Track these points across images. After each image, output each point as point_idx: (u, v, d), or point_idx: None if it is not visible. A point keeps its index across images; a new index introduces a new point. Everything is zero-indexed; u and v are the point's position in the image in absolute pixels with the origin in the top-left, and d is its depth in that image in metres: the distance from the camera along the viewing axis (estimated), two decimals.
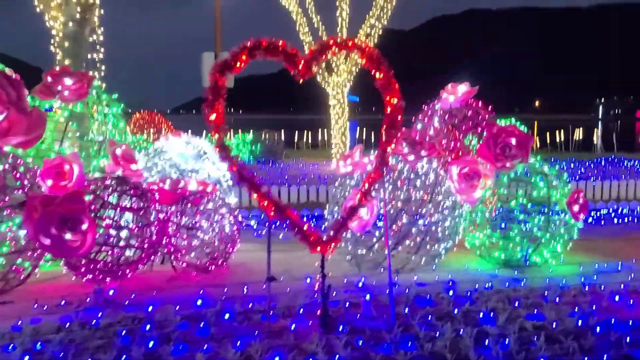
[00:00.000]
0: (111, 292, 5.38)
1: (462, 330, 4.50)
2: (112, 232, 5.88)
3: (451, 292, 5.49)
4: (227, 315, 4.80)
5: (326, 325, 4.57)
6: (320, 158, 20.37)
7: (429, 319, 4.79)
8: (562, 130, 25.65)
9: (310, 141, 29.12)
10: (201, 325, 4.58)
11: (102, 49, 10.75)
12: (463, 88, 6.95)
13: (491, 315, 4.86)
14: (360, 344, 4.31)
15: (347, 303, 5.17)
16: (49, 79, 6.46)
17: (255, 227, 8.80)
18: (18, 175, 5.64)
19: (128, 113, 22.26)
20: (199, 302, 5.10)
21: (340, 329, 4.52)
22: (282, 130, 23.68)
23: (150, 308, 4.94)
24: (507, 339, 4.38)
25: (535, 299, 5.36)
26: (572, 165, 17.21)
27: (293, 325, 4.61)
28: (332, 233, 4.74)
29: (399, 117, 4.83)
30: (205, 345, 4.22)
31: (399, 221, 6.39)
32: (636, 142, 26.81)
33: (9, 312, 5.01)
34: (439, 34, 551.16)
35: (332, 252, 4.75)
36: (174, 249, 6.28)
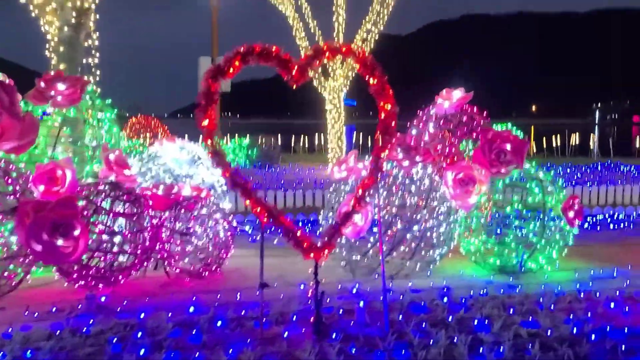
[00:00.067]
0: (103, 299, 5.34)
1: (456, 337, 4.47)
2: (105, 237, 5.84)
3: (446, 299, 5.46)
4: (219, 323, 4.76)
5: (319, 333, 4.54)
6: (317, 162, 20.36)
7: (423, 326, 4.76)
8: (558, 135, 25.67)
9: (306, 145, 29.11)
10: (193, 333, 4.55)
11: (98, 54, 10.72)
12: (458, 94, 6.94)
13: (486, 323, 4.82)
14: (353, 351, 4.28)
15: (341, 310, 5.13)
16: (42, 84, 6.42)
17: (250, 232, 8.76)
18: (10, 180, 5.60)
19: (125, 117, 22.28)
20: (192, 308, 5.07)
21: (333, 336, 4.49)
22: (279, 135, 23.67)
23: (142, 315, 4.90)
24: (502, 347, 4.36)
25: (530, 306, 5.33)
26: (568, 170, 17.22)
27: (286, 333, 4.58)
28: (325, 239, 4.72)
29: (393, 122, 4.81)
30: (197, 352, 4.19)
31: (394, 227, 6.36)
32: (633, 146, 26.71)
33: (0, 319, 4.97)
34: (435, 39, 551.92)
35: (326, 258, 4.72)
36: (167, 255, 6.24)
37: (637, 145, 25.54)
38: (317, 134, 27.80)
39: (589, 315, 5.09)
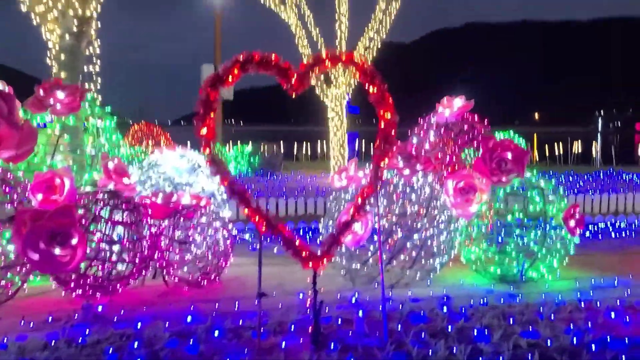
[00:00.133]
0: (100, 308, 5.31)
1: (455, 348, 4.44)
2: (103, 246, 5.82)
3: (445, 308, 5.41)
4: (217, 332, 4.72)
5: (317, 343, 4.50)
6: (319, 170, 20.34)
7: (423, 336, 4.72)
8: (561, 143, 25.63)
9: (309, 153, 29.10)
10: (190, 343, 4.51)
11: (99, 62, 10.73)
12: (459, 102, 6.92)
13: (485, 333, 4.78)
14: None
15: (340, 319, 5.09)
16: (41, 92, 6.41)
17: (250, 240, 8.73)
18: (8, 189, 5.58)
19: (128, 124, 22.32)
20: (189, 318, 5.03)
21: (331, 347, 4.45)
22: (281, 142, 23.67)
23: (139, 324, 4.87)
24: (501, 357, 4.32)
25: (531, 316, 5.29)
26: (570, 178, 17.18)
27: (284, 343, 4.54)
28: (324, 249, 4.68)
29: (393, 131, 4.78)
30: None
31: (394, 235, 6.33)
32: (635, 155, 26.64)
33: None
34: (439, 47, 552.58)
35: (325, 267, 4.68)
36: (166, 264, 6.22)
37: None
38: (319, 141, 27.80)
39: (590, 325, 5.04)
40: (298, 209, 12.05)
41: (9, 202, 5.57)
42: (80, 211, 5.72)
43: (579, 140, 27.33)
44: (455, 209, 6.39)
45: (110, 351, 4.33)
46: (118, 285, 5.85)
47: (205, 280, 6.29)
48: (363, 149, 25.51)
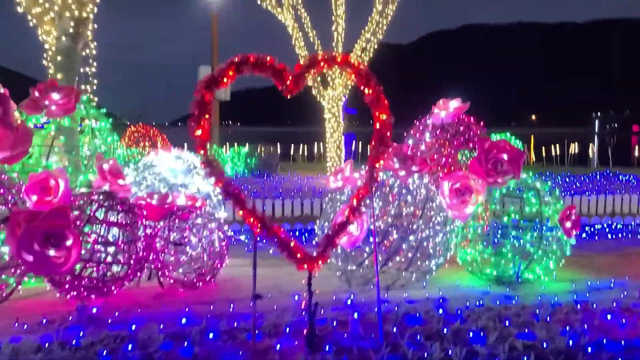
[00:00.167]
0: (94, 310, 5.28)
1: (450, 350, 4.43)
2: (98, 247, 5.80)
3: (441, 310, 5.40)
4: (211, 334, 4.71)
5: (312, 345, 4.48)
6: (316, 171, 20.33)
7: (418, 338, 4.70)
8: (557, 145, 25.66)
9: (306, 154, 29.10)
10: (185, 345, 4.50)
11: (95, 63, 10.71)
12: (454, 103, 6.92)
13: (481, 334, 4.77)
14: None
15: (335, 321, 5.07)
16: (36, 93, 6.40)
17: (246, 241, 8.72)
18: (2, 190, 5.56)
19: (126, 125, 22.31)
20: (184, 320, 5.01)
21: (326, 349, 4.44)
22: (278, 143, 23.66)
23: (133, 326, 4.84)
24: (497, 359, 4.30)
25: (527, 317, 5.27)
26: (567, 179, 17.19)
27: (278, 345, 4.52)
28: (319, 250, 4.67)
29: (388, 133, 4.78)
30: None
31: (390, 237, 6.32)
32: (632, 156, 26.66)
33: None
34: (436, 48, 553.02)
35: (319, 269, 4.67)
36: (161, 265, 6.20)
37: (636, 155, 25.51)
38: (316, 142, 27.80)
39: (585, 327, 5.03)
40: (294, 210, 12.04)
41: (3, 204, 5.54)
42: (75, 212, 5.69)
43: (576, 142, 27.34)
44: (451, 211, 6.39)
45: (104, 353, 4.31)
46: (113, 286, 5.84)
47: (201, 282, 6.28)
48: (360, 150, 25.50)
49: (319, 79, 18.22)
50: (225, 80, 4.49)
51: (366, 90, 4.71)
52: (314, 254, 4.61)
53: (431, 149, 6.87)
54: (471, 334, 4.77)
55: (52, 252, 5.10)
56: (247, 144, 20.65)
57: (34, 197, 5.57)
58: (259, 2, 18.37)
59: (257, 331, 4.66)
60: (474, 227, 6.72)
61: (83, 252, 5.51)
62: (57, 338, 4.59)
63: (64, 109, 6.47)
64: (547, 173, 18.82)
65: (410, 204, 6.41)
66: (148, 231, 6.15)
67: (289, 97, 4.75)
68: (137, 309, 5.48)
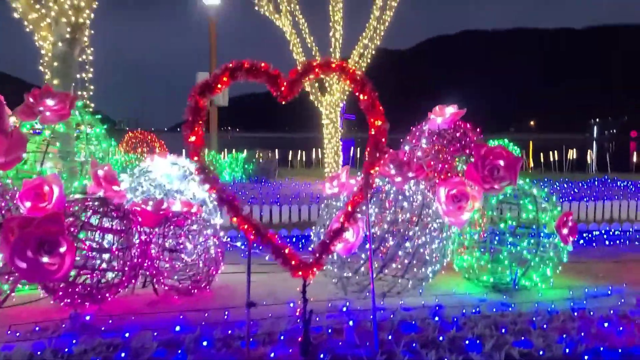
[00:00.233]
0: (88, 318, 5.24)
1: (446, 358, 4.39)
2: (92, 254, 5.76)
3: (437, 318, 5.36)
4: (205, 342, 4.67)
5: (307, 353, 4.45)
6: (313, 177, 20.30)
7: (414, 346, 4.67)
8: (556, 151, 25.63)
9: (304, 160, 29.06)
10: (178, 352, 4.46)
11: (92, 69, 10.70)
12: (451, 109, 6.90)
13: (477, 342, 4.74)
14: None
15: (330, 329, 5.03)
16: (31, 99, 6.37)
17: (242, 247, 8.67)
18: None
19: (125, 131, 22.28)
20: (178, 327, 4.97)
21: (321, 357, 4.40)
22: (276, 149, 23.63)
23: (127, 334, 4.80)
24: None
25: (523, 325, 5.24)
26: (565, 185, 17.17)
27: (272, 353, 4.49)
28: (314, 258, 4.64)
29: (384, 139, 4.77)
30: None
31: (386, 243, 6.28)
32: (630, 162, 26.63)
33: None
34: (435, 54, 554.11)
35: (314, 276, 4.63)
36: (156, 272, 6.16)
37: (635, 160, 25.50)
38: (314, 148, 27.77)
39: (583, 335, 5.00)
40: (292, 216, 12.01)
41: None
42: (69, 219, 5.66)
43: (574, 148, 27.31)
44: (448, 217, 6.36)
45: None
46: (107, 294, 5.79)
47: (196, 289, 6.24)
48: (359, 156, 25.48)
49: (316, 84, 18.23)
50: (219, 86, 4.48)
51: (361, 96, 4.70)
52: (310, 260, 4.58)
53: (428, 155, 6.85)
54: (467, 342, 4.74)
55: (45, 259, 5.07)
56: (245, 150, 20.62)
57: (28, 204, 5.55)
58: (256, 8, 18.38)
59: (251, 339, 4.63)
60: (470, 233, 6.69)
61: (77, 258, 5.48)
62: (49, 346, 4.56)
63: (58, 115, 6.45)
64: (546, 179, 18.80)
65: (406, 211, 6.38)
66: (143, 237, 6.11)
67: (283, 103, 4.74)
68: (131, 317, 5.44)
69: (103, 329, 5.04)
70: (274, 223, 11.58)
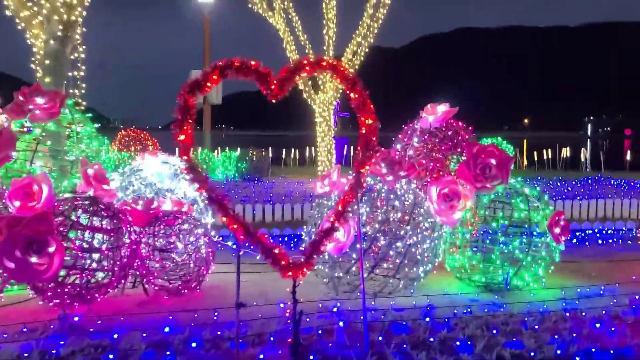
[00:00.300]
0: (76, 318, 5.18)
1: (437, 359, 4.36)
2: (82, 254, 5.71)
3: (428, 319, 5.33)
4: (194, 343, 4.63)
5: (296, 354, 4.41)
6: (307, 175, 20.27)
7: (404, 347, 4.64)
8: (549, 149, 25.66)
9: (297, 158, 29.03)
10: (167, 353, 4.42)
11: (84, 67, 10.65)
12: (442, 108, 6.87)
13: (468, 343, 4.71)
14: None
15: (320, 330, 5.00)
16: (21, 97, 6.31)
17: (234, 247, 8.62)
18: None
19: (118, 128, 22.22)
20: (167, 328, 4.93)
21: (311, 358, 4.37)
22: (269, 148, 23.59)
23: (115, 335, 4.76)
24: None
25: (515, 326, 5.22)
26: (558, 183, 17.18)
27: (262, 355, 4.45)
28: (304, 258, 4.60)
29: (374, 138, 4.74)
30: None
31: (377, 243, 6.25)
32: (624, 160, 26.68)
33: None
34: (429, 51, 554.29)
35: (304, 276, 4.60)
36: (146, 272, 6.11)
37: (628, 159, 25.55)
38: (307, 146, 27.74)
39: (575, 335, 4.97)
40: (285, 215, 11.98)
41: None
42: (59, 218, 5.61)
43: (568, 146, 27.34)
44: (439, 216, 6.33)
45: None
46: (97, 294, 5.74)
47: (186, 289, 6.19)
48: (352, 155, 25.46)
49: (310, 82, 18.20)
50: (209, 84, 4.45)
51: (352, 95, 4.67)
52: (302, 259, 4.55)
53: (419, 153, 6.82)
54: (458, 343, 4.71)
55: (34, 259, 5.02)
56: (238, 148, 20.58)
57: (17, 203, 5.49)
58: (250, 6, 18.34)
59: (240, 340, 4.59)
60: (462, 233, 6.66)
61: (67, 258, 5.43)
62: (37, 347, 4.51)
63: (48, 114, 6.38)
64: (539, 177, 18.80)
65: (397, 210, 6.35)
66: (133, 237, 6.06)
67: (273, 101, 4.70)
68: (120, 317, 5.39)
69: (92, 329, 4.99)
70: (267, 222, 11.54)
